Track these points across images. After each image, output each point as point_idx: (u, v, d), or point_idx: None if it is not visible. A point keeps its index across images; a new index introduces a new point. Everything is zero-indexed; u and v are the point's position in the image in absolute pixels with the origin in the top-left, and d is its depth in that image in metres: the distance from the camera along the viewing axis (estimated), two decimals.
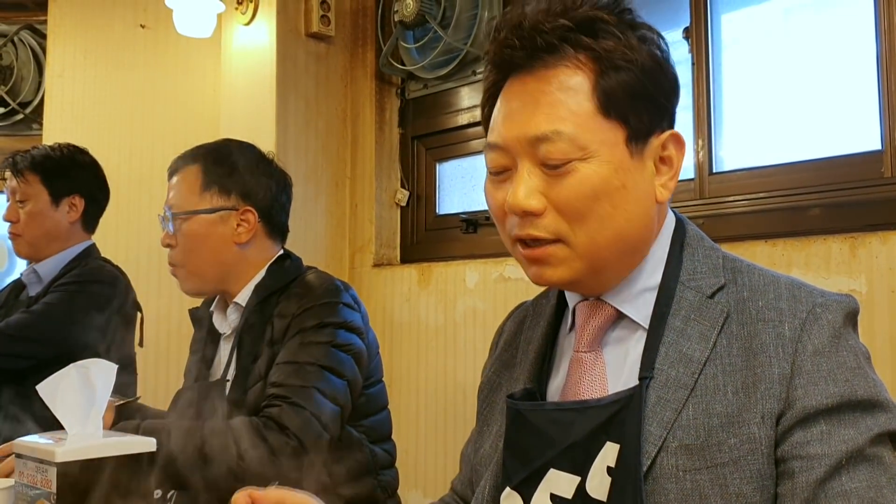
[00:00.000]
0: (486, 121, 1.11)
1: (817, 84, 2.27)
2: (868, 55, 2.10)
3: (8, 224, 2.42)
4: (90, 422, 1.29)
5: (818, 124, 2.25)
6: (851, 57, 2.18)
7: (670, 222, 1.12)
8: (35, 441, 1.29)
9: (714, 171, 2.43)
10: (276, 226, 1.93)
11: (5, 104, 3.91)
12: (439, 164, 3.35)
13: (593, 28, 1.02)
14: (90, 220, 2.51)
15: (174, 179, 1.88)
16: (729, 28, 2.48)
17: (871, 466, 0.93)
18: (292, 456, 1.60)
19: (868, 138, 2.10)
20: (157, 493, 1.54)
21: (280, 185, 1.94)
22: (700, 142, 2.44)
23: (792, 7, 2.36)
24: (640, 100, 1.02)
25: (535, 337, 1.19)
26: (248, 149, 1.95)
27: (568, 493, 1.01)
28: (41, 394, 1.30)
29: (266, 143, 3.23)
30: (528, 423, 1.06)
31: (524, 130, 1.01)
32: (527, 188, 1.01)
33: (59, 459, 1.22)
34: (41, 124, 3.75)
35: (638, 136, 1.03)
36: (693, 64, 2.48)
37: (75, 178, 2.47)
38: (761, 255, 2.11)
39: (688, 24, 2.50)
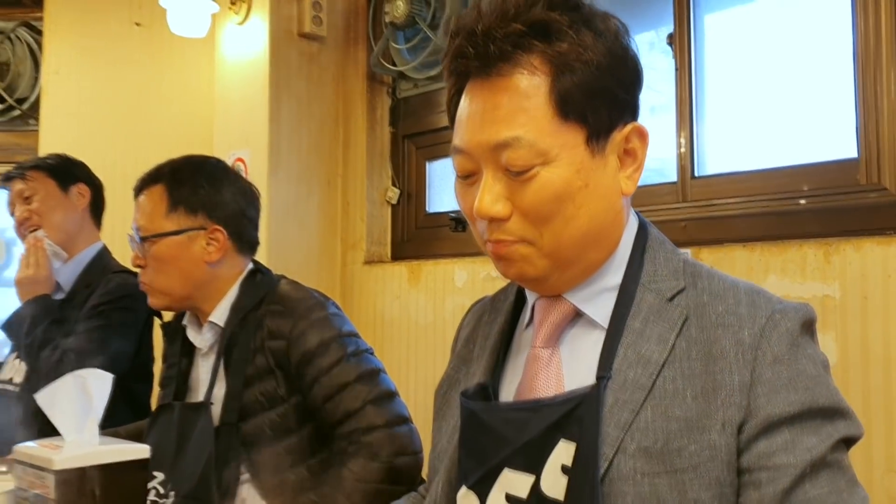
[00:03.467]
0: (451, 121, 1.11)
1: (798, 89, 2.31)
2: (846, 62, 2.15)
3: (22, 227, 2.43)
4: (86, 429, 1.35)
5: (799, 130, 2.30)
6: (830, 63, 2.22)
7: (633, 225, 1.13)
8: (33, 448, 1.34)
9: (696, 174, 2.48)
10: (245, 241, 1.92)
11: (2, 100, 3.95)
12: (429, 162, 3.40)
13: (546, 31, 1.01)
14: (97, 210, 2.55)
15: (140, 199, 1.88)
16: (712, 31, 2.53)
17: (832, 472, 0.96)
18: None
19: (846, 145, 2.15)
20: (170, 498, 1.61)
21: (247, 198, 1.93)
22: (683, 145, 2.49)
23: (773, 9, 2.40)
24: (598, 97, 1.02)
25: (492, 332, 1.20)
26: (213, 164, 1.94)
27: (523, 493, 1.02)
28: (39, 402, 1.36)
29: (259, 141, 3.29)
30: (483, 422, 1.07)
31: (485, 137, 1.02)
32: (492, 195, 1.02)
33: (56, 467, 1.27)
34: (38, 120, 3.80)
35: (598, 133, 1.03)
36: (676, 68, 2.52)
37: (76, 172, 2.53)
38: (739, 260, 2.17)
39: (671, 30, 2.55)
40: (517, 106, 1.01)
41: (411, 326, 3.14)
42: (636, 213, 1.15)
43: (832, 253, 2.00)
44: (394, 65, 3.31)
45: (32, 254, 2.40)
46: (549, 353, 1.09)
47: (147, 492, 1.42)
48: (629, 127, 1.06)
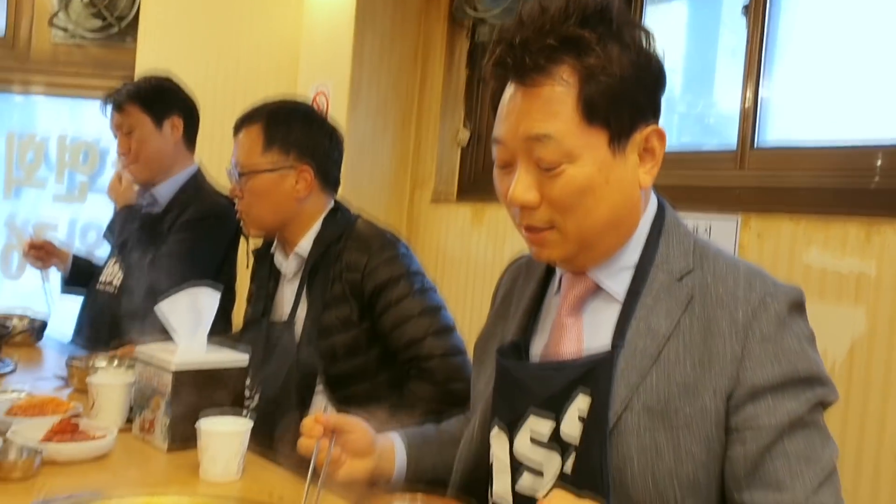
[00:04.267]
0: (494, 113, 1.27)
1: (870, 67, 2.38)
2: None
3: (123, 157, 2.68)
4: (197, 337, 1.59)
5: (860, 109, 2.40)
6: None
7: (652, 209, 1.29)
8: (153, 350, 1.60)
9: (756, 145, 2.59)
10: (329, 180, 2.12)
11: (103, 18, 4.18)
12: None
13: (577, 46, 1.16)
14: (190, 136, 2.76)
15: (239, 137, 2.08)
16: (789, 4, 2.60)
17: (808, 430, 1.15)
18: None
19: None
20: (255, 400, 1.86)
21: (333, 141, 2.13)
22: (746, 115, 2.60)
23: None
24: (621, 104, 1.17)
25: (525, 296, 1.39)
26: (305, 109, 2.14)
27: (545, 436, 1.22)
28: (159, 313, 1.60)
29: (342, 75, 3.47)
30: (514, 377, 1.28)
31: (520, 131, 1.18)
32: (524, 185, 1.19)
33: (174, 368, 1.53)
34: (135, 38, 4.02)
35: (620, 135, 1.19)
36: (748, 40, 2.61)
37: (169, 100, 2.70)
38: (785, 230, 2.30)
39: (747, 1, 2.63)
40: (548, 111, 1.17)
41: (471, 265, 3.35)
42: (656, 195, 1.31)
43: (874, 233, 2.13)
44: (475, 10, 3.43)
45: (121, 170, 2.69)
46: (572, 321, 1.28)
47: (244, 392, 1.67)
48: (649, 128, 1.21)
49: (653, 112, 1.23)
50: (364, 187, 3.48)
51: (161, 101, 2.68)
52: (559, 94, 1.17)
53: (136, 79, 3.53)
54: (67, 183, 4.13)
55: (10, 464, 1.35)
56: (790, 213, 2.33)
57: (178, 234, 2.55)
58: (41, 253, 2.74)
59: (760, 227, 2.37)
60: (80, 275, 2.81)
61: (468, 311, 3.31)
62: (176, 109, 2.70)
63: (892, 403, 2.04)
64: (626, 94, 1.18)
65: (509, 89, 1.21)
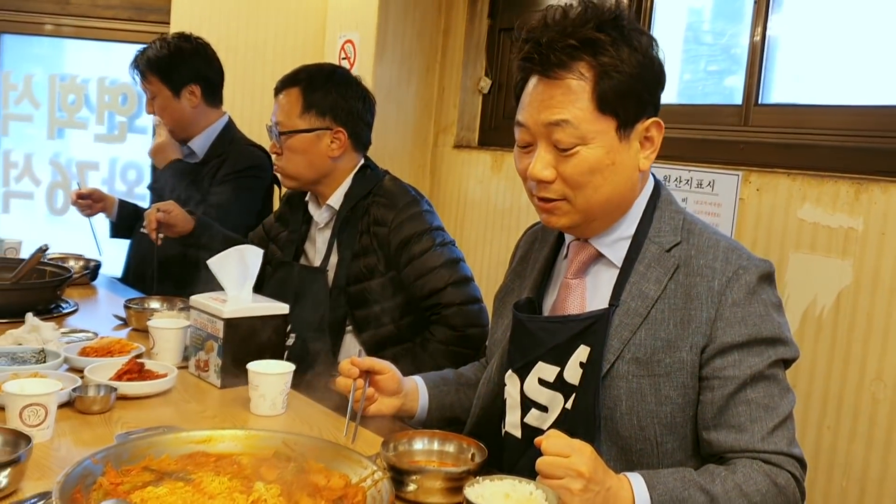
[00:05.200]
0: (517, 99, 1.48)
1: (871, 32, 2.49)
2: None
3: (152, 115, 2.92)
4: (244, 289, 1.81)
5: (863, 70, 2.51)
6: None
7: (649, 187, 1.51)
8: (206, 299, 1.81)
9: (760, 101, 2.73)
10: (361, 141, 2.32)
11: None
12: None
13: (593, 46, 1.37)
14: (211, 98, 2.92)
15: (279, 98, 2.27)
16: None
17: (768, 382, 1.37)
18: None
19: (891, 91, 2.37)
20: (291, 339, 2.07)
21: (366, 104, 2.32)
22: (751, 72, 2.72)
23: None
24: (628, 98, 1.39)
25: (540, 258, 1.62)
26: (341, 74, 2.32)
27: (550, 379, 1.46)
28: (210, 266, 1.82)
29: (368, 25, 3.61)
30: (526, 328, 1.50)
31: (542, 117, 1.39)
32: (542, 163, 1.40)
33: (225, 316, 1.75)
34: None
35: (626, 124, 1.40)
36: (754, 13, 2.71)
37: (186, 68, 2.85)
38: (782, 186, 2.46)
39: None
40: (567, 100, 1.38)
41: (490, 210, 3.53)
42: (654, 177, 1.52)
43: (862, 191, 2.29)
44: None
45: (159, 128, 2.90)
46: (576, 283, 1.51)
47: (285, 336, 1.89)
48: (650, 120, 1.43)
49: (654, 106, 1.45)
50: (390, 134, 3.65)
51: (178, 70, 2.83)
52: (577, 87, 1.37)
53: (170, 21, 3.73)
54: (107, 124, 4.33)
55: (90, 399, 1.58)
56: (787, 169, 2.48)
57: (220, 186, 2.76)
58: (88, 202, 2.96)
59: (760, 182, 2.53)
60: (127, 219, 3.04)
61: (487, 252, 3.51)
62: (193, 78, 2.84)
63: (872, 347, 2.23)
64: (633, 90, 1.39)
65: (532, 81, 1.43)
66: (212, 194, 2.74)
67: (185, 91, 2.85)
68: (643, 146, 1.44)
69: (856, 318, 2.28)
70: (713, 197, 2.64)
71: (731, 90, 2.86)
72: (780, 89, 2.72)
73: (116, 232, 3.08)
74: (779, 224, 2.47)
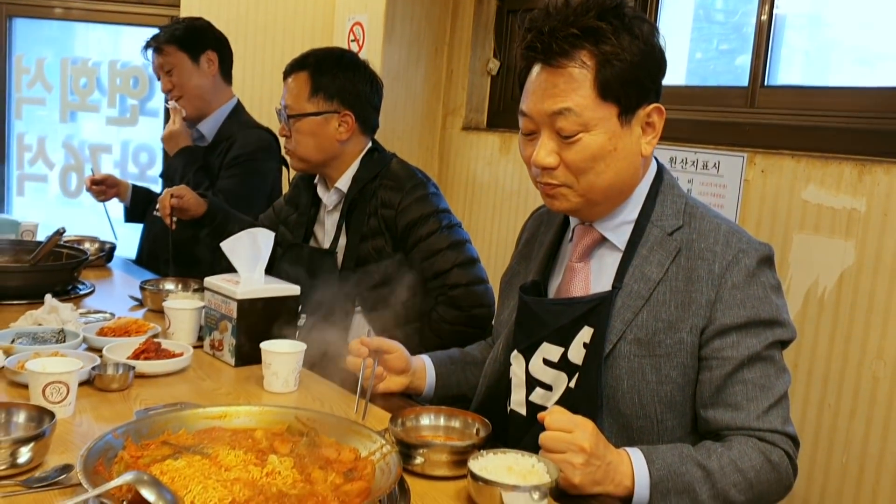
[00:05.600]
0: (521, 86, 1.51)
1: (879, 13, 2.51)
2: None
3: (167, 94, 2.95)
4: (257, 271, 1.86)
5: (869, 53, 2.53)
6: None
7: (652, 172, 1.54)
8: (220, 280, 1.86)
9: (766, 83, 2.74)
10: (368, 124, 2.35)
11: None
12: None
13: (595, 35, 1.39)
14: (226, 69, 3.01)
15: (288, 82, 2.31)
16: None
17: (765, 363, 1.41)
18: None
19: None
20: (302, 319, 2.12)
21: (373, 88, 2.35)
22: (758, 53, 2.74)
23: None
24: (630, 85, 1.41)
25: (545, 241, 1.66)
26: (349, 58, 2.35)
27: (555, 359, 1.50)
28: (224, 249, 1.86)
29: (377, 6, 3.64)
30: (532, 310, 1.54)
31: (545, 106, 1.42)
32: (546, 150, 1.44)
33: (239, 297, 1.80)
34: None
35: (628, 111, 1.43)
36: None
37: (203, 37, 2.96)
38: (786, 168, 2.49)
39: None
40: (569, 88, 1.41)
41: (498, 191, 3.57)
42: (657, 161, 1.55)
43: (865, 173, 2.31)
44: None
45: (173, 114, 2.94)
46: (581, 266, 1.55)
47: (296, 316, 1.93)
48: (651, 106, 1.46)
49: (655, 92, 1.47)
50: (399, 116, 3.68)
51: (195, 39, 2.93)
52: (579, 75, 1.40)
53: (180, 4, 3.77)
54: (119, 107, 4.37)
55: (109, 377, 1.64)
56: (792, 151, 2.51)
57: (230, 169, 2.81)
58: (102, 187, 3.02)
59: (765, 163, 2.56)
60: (140, 203, 3.09)
61: (495, 233, 3.55)
62: (210, 45, 2.95)
63: (874, 326, 2.27)
64: (634, 77, 1.41)
65: (535, 69, 1.46)
66: (221, 178, 2.79)
67: (203, 58, 2.92)
68: (645, 132, 1.47)
69: (857, 299, 2.31)
70: (718, 178, 2.67)
71: (743, 69, 2.87)
72: (786, 70, 2.73)
73: (130, 216, 3.14)
74: (783, 205, 2.50)
